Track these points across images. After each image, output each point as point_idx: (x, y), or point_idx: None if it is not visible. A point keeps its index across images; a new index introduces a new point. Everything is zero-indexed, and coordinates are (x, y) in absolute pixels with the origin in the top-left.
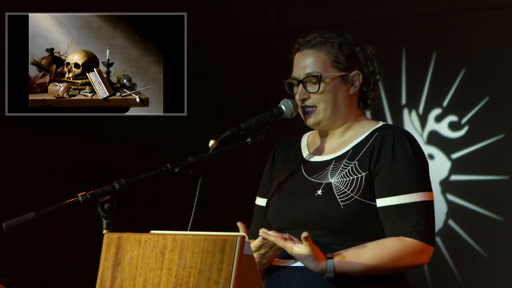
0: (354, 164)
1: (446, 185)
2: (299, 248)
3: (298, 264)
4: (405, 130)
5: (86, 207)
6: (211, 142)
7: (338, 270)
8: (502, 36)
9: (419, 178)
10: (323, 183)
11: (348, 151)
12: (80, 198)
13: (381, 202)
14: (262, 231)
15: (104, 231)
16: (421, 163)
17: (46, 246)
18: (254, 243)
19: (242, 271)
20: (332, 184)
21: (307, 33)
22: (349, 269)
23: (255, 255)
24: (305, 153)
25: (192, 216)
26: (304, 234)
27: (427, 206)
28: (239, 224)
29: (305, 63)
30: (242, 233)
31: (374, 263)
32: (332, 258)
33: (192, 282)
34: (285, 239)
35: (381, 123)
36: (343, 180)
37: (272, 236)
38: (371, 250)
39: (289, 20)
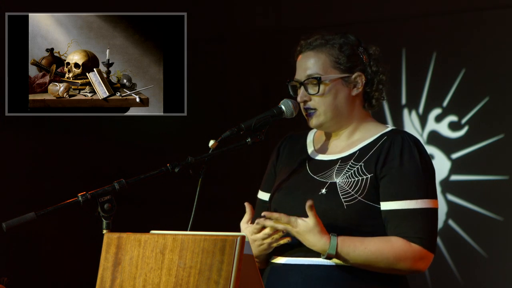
0: (360, 165)
1: (446, 185)
2: (304, 221)
3: (297, 262)
4: (414, 137)
5: (86, 207)
6: (211, 142)
7: (340, 249)
8: (502, 36)
9: (425, 185)
10: (327, 182)
11: (355, 152)
12: (80, 198)
13: (385, 206)
14: (264, 213)
15: (104, 231)
16: (428, 170)
17: (46, 246)
18: (252, 227)
19: (242, 271)
20: (337, 184)
21: (309, 34)
22: (351, 252)
23: (258, 236)
24: (310, 150)
25: (192, 216)
26: (309, 203)
27: (431, 214)
28: (246, 204)
29: (306, 65)
30: (242, 233)
31: (377, 255)
32: (336, 236)
33: (192, 282)
34: (288, 216)
35: (390, 127)
36: (348, 181)
37: (276, 214)
38: (374, 242)
39: (289, 20)
